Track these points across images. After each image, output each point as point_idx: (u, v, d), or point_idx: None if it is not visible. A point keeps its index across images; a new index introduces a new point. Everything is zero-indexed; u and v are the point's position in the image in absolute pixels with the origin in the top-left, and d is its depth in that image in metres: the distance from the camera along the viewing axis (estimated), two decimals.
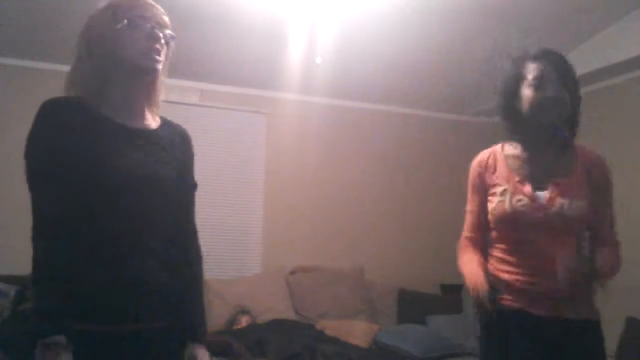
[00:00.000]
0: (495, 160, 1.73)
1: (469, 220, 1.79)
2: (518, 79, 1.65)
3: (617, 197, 1.68)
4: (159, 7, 1.37)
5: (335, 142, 4.50)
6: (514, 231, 1.65)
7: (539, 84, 1.60)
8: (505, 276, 1.65)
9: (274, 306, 3.78)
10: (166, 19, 1.36)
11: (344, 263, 4.26)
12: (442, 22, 3.32)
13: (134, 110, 1.36)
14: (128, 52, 1.30)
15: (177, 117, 1.53)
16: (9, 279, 3.25)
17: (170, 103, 3.65)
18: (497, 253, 1.71)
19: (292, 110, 4.35)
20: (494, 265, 1.71)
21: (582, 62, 3.58)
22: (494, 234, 1.73)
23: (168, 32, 1.36)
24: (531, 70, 1.63)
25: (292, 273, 4.15)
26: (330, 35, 3.34)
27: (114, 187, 1.27)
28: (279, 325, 3.49)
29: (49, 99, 1.29)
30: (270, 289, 3.91)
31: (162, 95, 1.43)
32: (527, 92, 1.62)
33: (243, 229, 4.19)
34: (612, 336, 3.14)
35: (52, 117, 1.26)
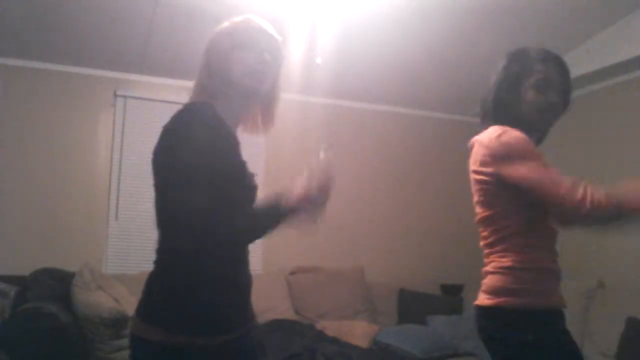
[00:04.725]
0: None
1: (554, 171, 1.48)
2: (520, 77, 1.61)
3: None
4: (274, 33, 1.42)
5: (335, 142, 4.49)
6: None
7: (544, 86, 1.58)
8: (555, 266, 1.57)
9: (274, 306, 3.77)
10: (279, 45, 1.42)
11: (344, 263, 4.26)
12: (442, 22, 3.32)
13: (233, 128, 1.42)
14: (236, 72, 1.34)
15: None
16: (9, 279, 3.25)
17: (170, 103, 3.65)
18: (536, 240, 1.56)
19: (292, 110, 4.34)
20: (540, 255, 1.55)
21: (582, 62, 3.59)
22: (530, 219, 1.55)
23: (278, 57, 1.40)
24: (536, 71, 1.60)
25: (292, 273, 4.15)
26: (330, 35, 3.33)
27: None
28: (279, 325, 3.49)
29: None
30: (270, 289, 3.90)
31: (275, 116, 1.50)
32: (530, 93, 1.59)
33: None
34: (612, 336, 3.14)
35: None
